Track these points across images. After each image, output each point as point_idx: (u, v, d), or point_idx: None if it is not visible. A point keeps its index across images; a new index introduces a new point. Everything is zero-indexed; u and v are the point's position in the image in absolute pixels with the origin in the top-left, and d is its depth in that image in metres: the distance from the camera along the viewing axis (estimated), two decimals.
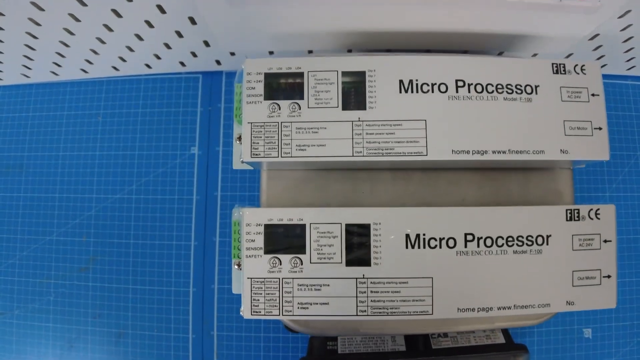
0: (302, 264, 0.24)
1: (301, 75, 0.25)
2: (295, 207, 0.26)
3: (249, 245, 0.24)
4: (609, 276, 0.26)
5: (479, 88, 0.25)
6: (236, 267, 0.25)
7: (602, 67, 0.41)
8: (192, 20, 0.33)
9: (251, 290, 0.24)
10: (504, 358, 0.31)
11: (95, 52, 0.36)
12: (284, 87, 0.25)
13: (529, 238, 0.25)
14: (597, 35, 0.35)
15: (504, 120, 0.25)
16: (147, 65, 0.39)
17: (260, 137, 0.25)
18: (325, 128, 0.25)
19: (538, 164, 0.28)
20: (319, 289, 0.24)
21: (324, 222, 0.24)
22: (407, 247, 0.24)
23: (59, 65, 0.38)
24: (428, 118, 0.25)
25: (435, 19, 0.31)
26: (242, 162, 0.25)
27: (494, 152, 0.25)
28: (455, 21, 0.32)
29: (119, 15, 0.31)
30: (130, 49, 0.36)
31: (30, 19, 0.31)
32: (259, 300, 0.24)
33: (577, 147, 0.26)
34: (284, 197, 0.28)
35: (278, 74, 0.25)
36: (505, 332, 0.33)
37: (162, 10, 0.31)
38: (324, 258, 0.24)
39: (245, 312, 0.24)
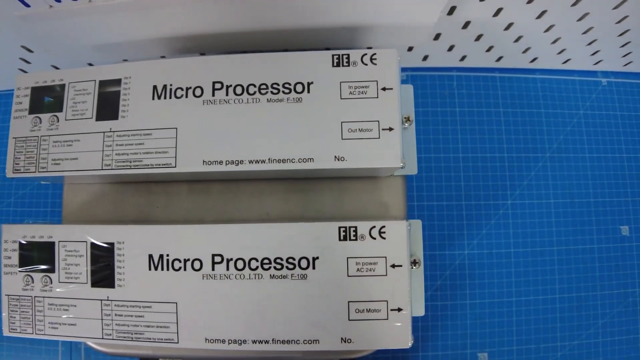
0: (52, 283, 0.23)
1: (63, 87, 0.24)
2: (93, 222, 0.25)
3: (6, 262, 0.24)
4: (399, 309, 0.21)
5: (238, 90, 0.23)
6: None
7: (498, 59, 0.35)
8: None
9: (8, 308, 0.24)
10: None
11: None
12: (46, 100, 0.24)
13: (290, 261, 0.21)
14: (468, 22, 0.30)
15: (266, 125, 0.22)
16: None
17: (22, 152, 0.24)
18: (79, 140, 0.24)
19: (319, 174, 0.24)
20: (67, 309, 0.23)
21: (71, 240, 0.23)
22: (150, 269, 0.22)
23: None
24: (179, 126, 0.23)
25: (247, 17, 0.29)
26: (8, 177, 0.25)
27: (251, 161, 0.22)
28: (264, 18, 0.29)
29: None
30: None
31: None
32: (15, 317, 0.24)
33: (357, 152, 0.22)
34: (83, 212, 0.28)
35: (43, 87, 0.25)
36: None
37: None
38: (72, 278, 0.23)
39: (4, 329, 0.24)
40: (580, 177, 0.34)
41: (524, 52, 0.33)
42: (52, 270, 0.23)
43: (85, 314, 0.23)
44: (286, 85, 0.22)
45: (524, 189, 0.34)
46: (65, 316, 0.23)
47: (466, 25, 0.30)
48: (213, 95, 0.23)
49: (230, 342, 0.22)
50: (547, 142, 0.35)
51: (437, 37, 0.32)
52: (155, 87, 0.23)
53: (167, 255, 0.22)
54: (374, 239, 0.22)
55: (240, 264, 0.22)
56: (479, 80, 0.36)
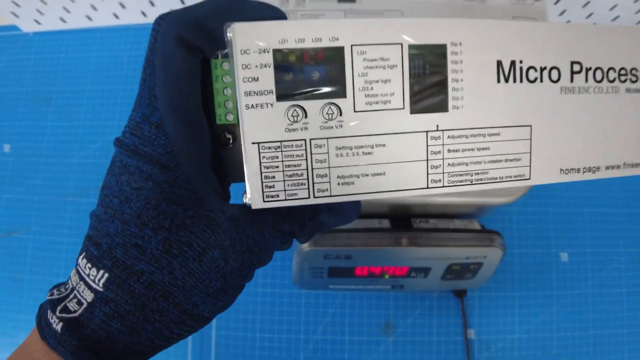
0: (341, 115, 0.15)
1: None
2: None
3: (249, 87, 0.14)
4: None
5: None
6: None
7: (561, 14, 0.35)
8: None
9: (260, 163, 0.15)
10: (481, 237, 0.32)
11: None
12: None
13: None
14: None
15: None
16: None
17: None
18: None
19: None
20: (369, 153, 0.15)
21: (375, 42, 0.15)
22: (499, 81, 0.16)
23: (95, 9, 0.41)
24: None
25: None
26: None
27: None
28: None
29: None
30: None
31: None
32: (273, 177, 0.15)
33: None
34: None
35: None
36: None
37: None
38: (377, 103, 0.15)
39: (255, 199, 0.15)
40: None
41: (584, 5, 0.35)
42: (340, 93, 0.15)
43: (400, 155, 0.15)
44: None
45: None
46: (367, 163, 0.15)
47: None
48: None
49: (584, 170, 0.18)
50: None
51: None
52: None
53: (521, 61, 0.16)
54: None
55: (599, 75, 0.17)
56: None
